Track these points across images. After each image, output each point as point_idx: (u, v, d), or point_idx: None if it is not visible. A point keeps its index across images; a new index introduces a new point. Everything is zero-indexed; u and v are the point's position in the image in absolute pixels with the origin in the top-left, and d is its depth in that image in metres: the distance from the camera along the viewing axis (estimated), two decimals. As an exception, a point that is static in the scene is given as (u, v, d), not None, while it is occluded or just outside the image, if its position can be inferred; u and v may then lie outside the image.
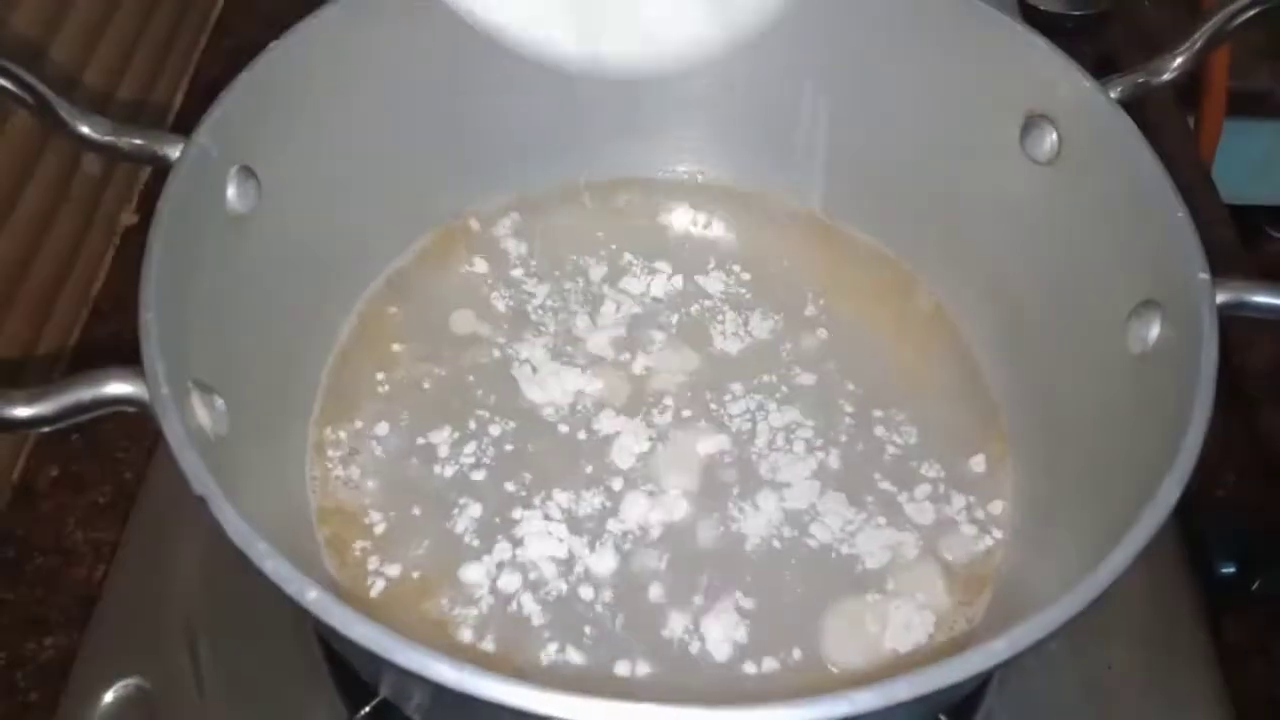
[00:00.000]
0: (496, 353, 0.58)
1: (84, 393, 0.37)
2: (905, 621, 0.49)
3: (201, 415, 0.39)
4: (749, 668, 0.48)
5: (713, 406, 0.56)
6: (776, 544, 0.51)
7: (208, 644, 0.52)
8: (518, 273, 0.62)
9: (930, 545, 0.52)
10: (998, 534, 0.52)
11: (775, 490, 0.53)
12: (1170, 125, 0.78)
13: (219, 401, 0.42)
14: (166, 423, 0.36)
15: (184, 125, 0.45)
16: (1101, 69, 0.50)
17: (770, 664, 0.48)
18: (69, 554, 0.58)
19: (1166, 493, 0.37)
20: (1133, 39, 0.81)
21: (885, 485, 0.53)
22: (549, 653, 0.48)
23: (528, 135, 0.62)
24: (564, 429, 0.55)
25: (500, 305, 0.60)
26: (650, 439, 0.54)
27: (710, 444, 0.54)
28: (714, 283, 0.62)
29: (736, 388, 0.57)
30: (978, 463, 0.55)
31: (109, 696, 0.50)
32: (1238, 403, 0.64)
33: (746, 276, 0.62)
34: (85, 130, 0.43)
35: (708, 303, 0.61)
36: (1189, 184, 0.47)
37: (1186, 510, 0.55)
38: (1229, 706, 0.52)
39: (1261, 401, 0.64)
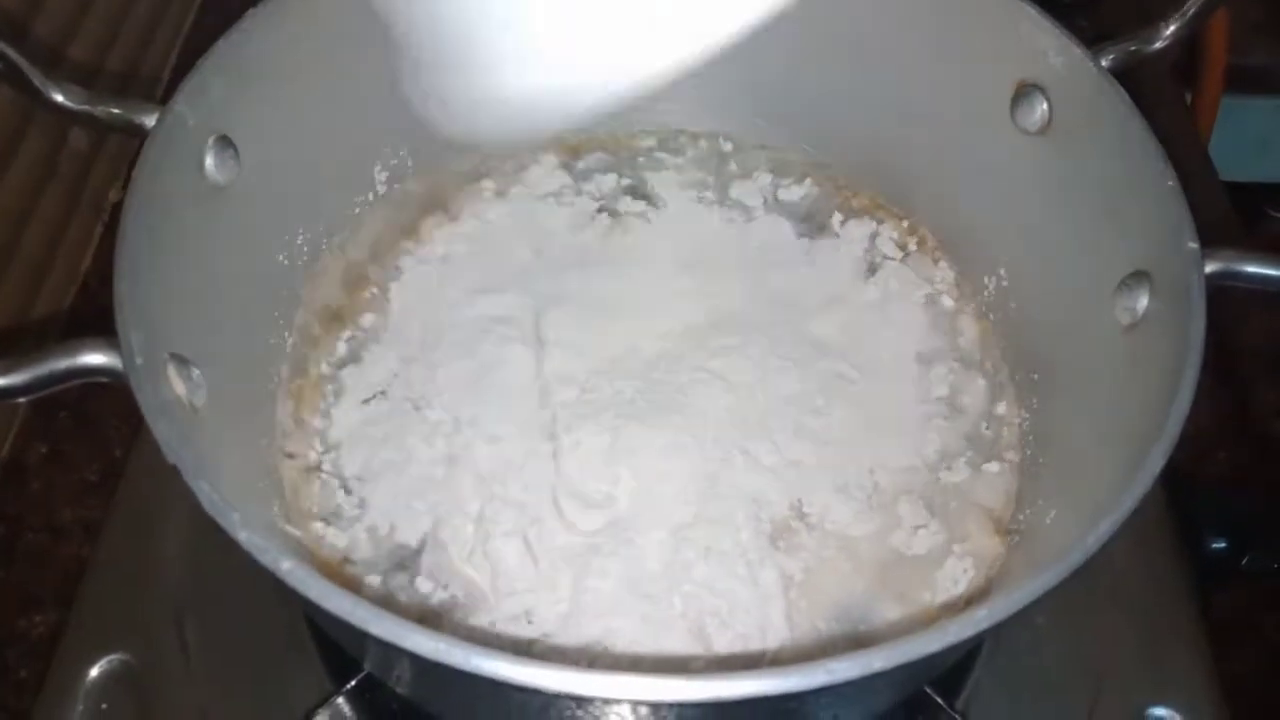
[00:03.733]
0: (476, 319, 0.57)
1: (58, 363, 0.37)
2: (951, 575, 0.49)
3: (178, 386, 0.39)
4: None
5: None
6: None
7: (194, 620, 0.52)
8: (501, 239, 0.60)
9: (957, 491, 0.52)
10: (1000, 467, 0.53)
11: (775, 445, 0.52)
12: (1165, 100, 0.77)
13: (196, 372, 0.41)
14: (140, 392, 0.35)
15: (173, 98, 0.45)
16: (1099, 43, 0.50)
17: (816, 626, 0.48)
18: (59, 531, 0.58)
19: (1152, 462, 0.37)
20: (1131, 13, 0.80)
21: (896, 443, 0.53)
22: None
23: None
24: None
25: (480, 274, 0.59)
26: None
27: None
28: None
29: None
30: (993, 411, 0.55)
31: (94, 672, 0.50)
32: (1230, 380, 0.64)
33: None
34: (60, 98, 0.43)
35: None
36: (1184, 159, 0.46)
37: (1178, 486, 0.56)
38: (1217, 681, 0.51)
39: (1254, 379, 0.64)
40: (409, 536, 0.50)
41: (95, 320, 0.38)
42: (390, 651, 0.32)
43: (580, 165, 0.65)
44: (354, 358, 0.56)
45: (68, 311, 0.67)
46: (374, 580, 0.48)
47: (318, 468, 0.52)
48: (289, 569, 0.33)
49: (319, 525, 0.50)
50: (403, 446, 0.52)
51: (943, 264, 0.60)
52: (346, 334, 0.57)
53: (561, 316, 0.56)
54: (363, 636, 0.32)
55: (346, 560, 0.49)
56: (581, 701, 0.32)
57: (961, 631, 0.32)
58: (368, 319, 0.57)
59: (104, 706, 0.50)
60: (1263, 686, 0.54)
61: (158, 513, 0.55)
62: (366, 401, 0.54)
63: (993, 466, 0.53)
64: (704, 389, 0.53)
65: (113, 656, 0.51)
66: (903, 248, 0.61)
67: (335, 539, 0.50)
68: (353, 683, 0.49)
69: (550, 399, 0.53)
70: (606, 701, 0.31)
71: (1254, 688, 0.54)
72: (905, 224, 0.61)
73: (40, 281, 0.64)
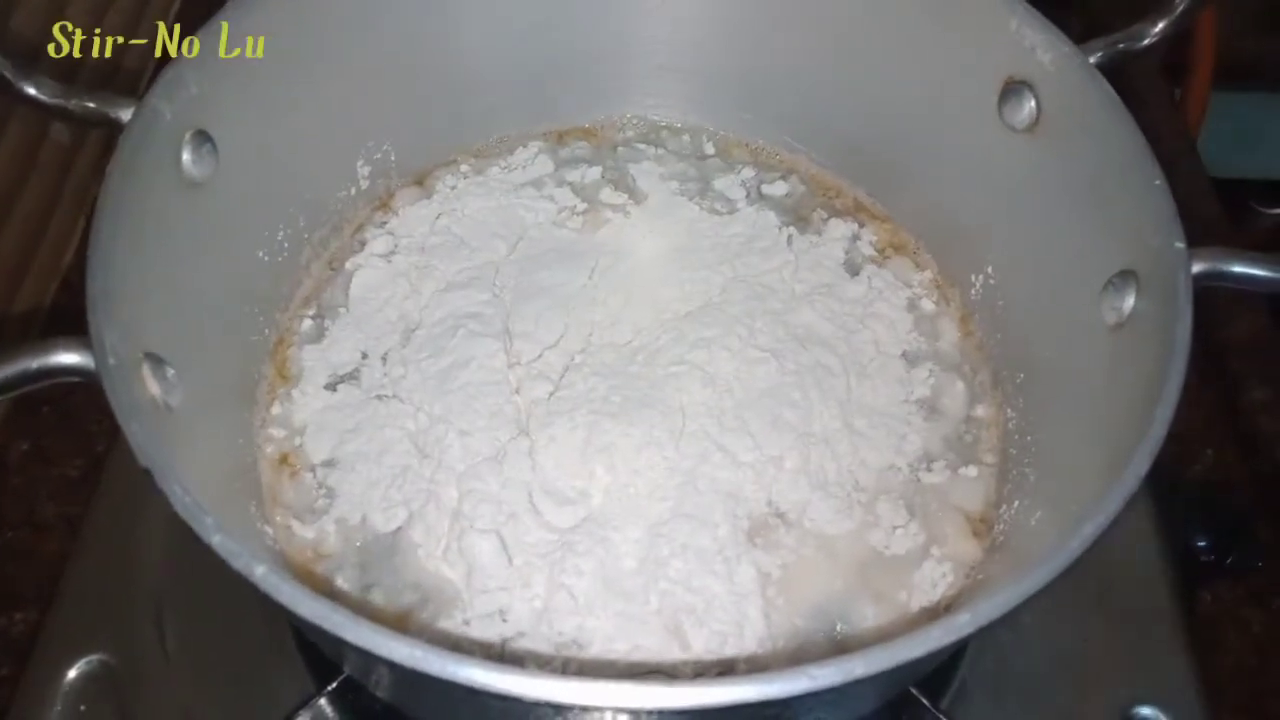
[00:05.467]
0: (447, 315, 0.56)
1: (29, 362, 0.37)
2: (930, 578, 0.49)
3: (152, 386, 0.39)
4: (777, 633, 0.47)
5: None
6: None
7: (174, 620, 0.52)
8: (476, 233, 0.60)
9: (936, 494, 0.51)
10: (978, 471, 0.52)
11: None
12: (1154, 97, 0.77)
13: (171, 372, 0.41)
14: (112, 393, 0.35)
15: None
16: (1087, 40, 0.49)
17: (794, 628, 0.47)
18: (40, 528, 0.58)
19: (1137, 463, 0.36)
20: (1120, 9, 0.79)
21: (876, 441, 0.53)
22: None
23: (489, 93, 0.61)
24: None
25: (453, 269, 0.58)
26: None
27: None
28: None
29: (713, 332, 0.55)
30: (971, 414, 0.54)
31: (72, 673, 0.50)
32: (1217, 379, 0.64)
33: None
34: (31, 91, 0.42)
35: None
36: (1173, 156, 0.46)
37: (1163, 484, 0.55)
38: (1202, 679, 0.51)
39: (1241, 377, 0.64)
40: (381, 528, 0.49)
41: (77, 317, 0.38)
42: (368, 658, 0.32)
43: (564, 152, 0.64)
44: (316, 336, 0.56)
45: (49, 308, 0.66)
46: (346, 579, 0.48)
47: (284, 453, 0.52)
48: (263, 574, 0.32)
49: (286, 515, 0.50)
50: (374, 438, 0.51)
51: (924, 267, 0.60)
52: (311, 311, 0.57)
53: (533, 311, 0.55)
54: (340, 642, 0.32)
55: (316, 555, 0.49)
56: (561, 708, 0.32)
57: (946, 636, 0.32)
58: (327, 294, 0.57)
59: (82, 708, 0.49)
60: (1247, 683, 0.54)
61: (138, 511, 0.54)
62: (331, 387, 0.54)
63: (970, 470, 0.52)
64: (681, 383, 0.52)
65: (92, 657, 0.50)
66: (881, 252, 0.60)
67: (303, 531, 0.49)
68: (334, 684, 0.48)
69: (522, 395, 0.52)
70: (587, 709, 0.31)
71: (1238, 684, 0.54)
72: (887, 227, 0.61)
73: (21, 277, 0.64)
